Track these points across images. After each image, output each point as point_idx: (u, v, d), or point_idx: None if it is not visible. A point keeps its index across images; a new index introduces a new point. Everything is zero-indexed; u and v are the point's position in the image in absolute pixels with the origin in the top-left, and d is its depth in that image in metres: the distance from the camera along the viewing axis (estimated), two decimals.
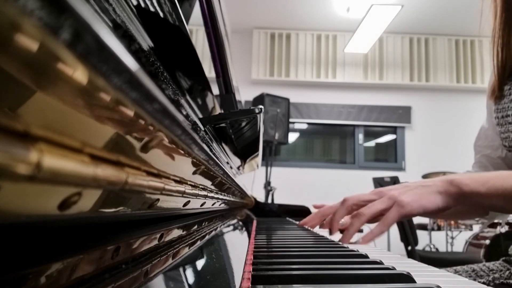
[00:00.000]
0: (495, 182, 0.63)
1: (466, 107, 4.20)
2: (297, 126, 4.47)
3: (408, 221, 2.28)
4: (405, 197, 0.66)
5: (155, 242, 0.24)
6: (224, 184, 0.43)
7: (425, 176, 3.41)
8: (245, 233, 0.74)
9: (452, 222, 3.32)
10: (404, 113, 4.33)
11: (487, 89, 0.82)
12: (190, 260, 0.29)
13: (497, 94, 0.77)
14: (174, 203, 0.24)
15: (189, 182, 0.26)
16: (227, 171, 0.41)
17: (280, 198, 2.86)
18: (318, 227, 0.90)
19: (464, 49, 4.32)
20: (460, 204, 0.67)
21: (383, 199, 0.68)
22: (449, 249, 3.44)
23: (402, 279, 0.34)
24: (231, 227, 0.65)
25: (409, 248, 2.35)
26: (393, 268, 0.38)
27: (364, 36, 3.79)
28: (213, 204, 0.44)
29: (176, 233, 0.30)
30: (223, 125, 0.51)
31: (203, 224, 0.45)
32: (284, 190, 3.26)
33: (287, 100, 3.22)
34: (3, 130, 0.07)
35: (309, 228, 0.90)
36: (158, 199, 0.20)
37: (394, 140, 4.41)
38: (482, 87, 4.13)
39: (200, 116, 0.46)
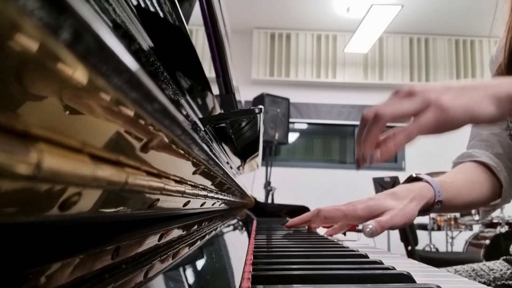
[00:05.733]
0: None
1: None
2: (297, 126, 4.47)
3: None
4: (447, 99, 0.47)
5: (155, 242, 0.24)
6: (224, 184, 0.43)
7: None
8: (245, 233, 0.74)
9: (452, 222, 3.32)
10: None
11: (492, 75, 0.80)
12: (190, 260, 0.29)
13: None
14: (174, 203, 0.24)
15: (189, 182, 0.26)
16: (227, 171, 0.41)
17: (280, 198, 2.86)
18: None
19: (464, 49, 4.32)
20: None
21: (414, 99, 0.48)
22: (449, 249, 3.44)
23: (402, 279, 0.34)
24: (231, 227, 0.65)
25: (409, 248, 2.35)
26: (393, 268, 0.38)
27: (364, 36, 3.79)
28: (213, 204, 0.44)
29: (176, 233, 0.30)
30: (223, 125, 0.51)
31: (203, 224, 0.45)
32: (284, 190, 3.26)
33: (287, 100, 3.22)
34: (3, 130, 0.07)
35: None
36: (158, 199, 0.20)
37: None
38: None
39: (200, 116, 0.46)
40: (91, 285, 0.15)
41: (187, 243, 0.32)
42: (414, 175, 0.79)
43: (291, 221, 0.86)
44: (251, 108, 0.53)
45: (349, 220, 0.75)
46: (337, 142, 4.56)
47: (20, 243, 0.12)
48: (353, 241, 0.78)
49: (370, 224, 0.65)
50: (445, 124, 0.47)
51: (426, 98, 0.48)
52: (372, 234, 0.64)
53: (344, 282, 0.33)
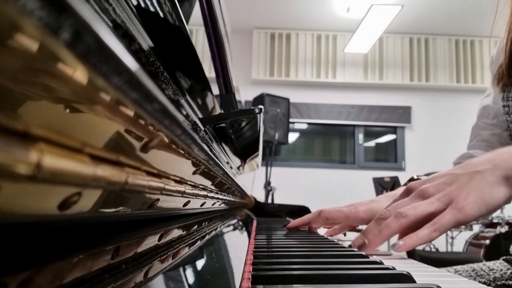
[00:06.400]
0: None
1: (466, 107, 4.20)
2: (297, 126, 4.47)
3: None
4: (463, 199, 0.49)
5: (155, 242, 0.24)
6: (224, 184, 0.43)
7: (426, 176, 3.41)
8: (245, 233, 0.74)
9: None
10: (404, 113, 4.33)
11: (492, 77, 0.80)
12: (190, 260, 0.29)
13: (506, 81, 0.74)
14: (174, 203, 0.24)
15: (189, 182, 0.26)
16: (227, 171, 0.41)
17: (280, 198, 2.86)
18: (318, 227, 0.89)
19: (464, 49, 4.32)
20: None
21: (431, 200, 0.52)
22: (449, 249, 3.44)
23: (402, 279, 0.34)
24: (231, 227, 0.65)
25: None
26: (393, 268, 0.38)
27: (364, 36, 3.79)
28: (213, 204, 0.44)
29: (176, 233, 0.30)
30: (223, 125, 0.51)
31: (203, 224, 0.45)
32: (284, 190, 3.26)
33: (287, 100, 3.22)
34: (3, 130, 0.07)
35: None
36: (158, 199, 0.20)
37: (394, 140, 4.41)
38: (482, 87, 4.13)
39: (200, 116, 0.46)
40: (91, 285, 0.15)
41: (187, 243, 0.32)
42: (415, 177, 0.79)
43: (293, 222, 0.86)
44: (251, 108, 0.53)
45: (350, 222, 0.75)
46: (337, 142, 4.56)
47: (20, 243, 0.12)
48: None
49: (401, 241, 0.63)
50: (463, 222, 0.50)
51: (441, 199, 0.51)
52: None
53: (344, 282, 0.33)
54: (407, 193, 0.58)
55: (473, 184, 0.50)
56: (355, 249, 0.54)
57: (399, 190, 0.77)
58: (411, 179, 0.80)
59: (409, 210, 0.52)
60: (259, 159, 0.97)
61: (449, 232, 3.45)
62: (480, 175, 0.50)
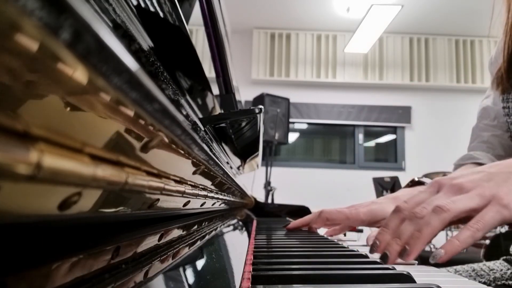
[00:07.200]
0: None
1: (466, 107, 4.20)
2: (297, 126, 4.47)
3: None
4: (504, 194, 0.47)
5: (155, 242, 0.24)
6: (224, 184, 0.43)
7: (425, 176, 3.41)
8: (245, 233, 0.74)
9: None
10: (404, 113, 4.33)
11: (492, 79, 0.80)
12: (190, 260, 0.29)
13: (505, 85, 0.75)
14: (174, 203, 0.24)
15: (189, 182, 0.26)
16: (227, 171, 0.41)
17: (280, 198, 2.86)
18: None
19: (464, 49, 4.32)
20: None
21: (471, 195, 0.48)
22: None
23: (402, 279, 0.34)
24: (231, 227, 0.65)
25: None
26: (393, 268, 0.38)
27: (364, 36, 3.79)
28: (213, 204, 0.44)
29: (176, 233, 0.30)
30: (223, 125, 0.51)
31: (203, 224, 0.45)
32: (284, 190, 3.26)
33: (287, 100, 3.22)
34: (3, 130, 0.07)
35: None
36: (158, 199, 0.20)
37: (394, 140, 4.41)
38: (482, 87, 4.13)
39: (200, 116, 0.46)
40: (91, 285, 0.15)
41: (187, 243, 0.32)
42: (416, 179, 0.79)
43: (293, 223, 0.86)
44: (251, 108, 0.53)
45: (351, 223, 0.75)
46: (337, 142, 4.56)
47: (20, 243, 0.12)
48: (353, 241, 0.78)
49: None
50: (509, 220, 0.46)
51: (482, 194, 0.48)
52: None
53: (344, 282, 0.33)
54: (436, 188, 0.52)
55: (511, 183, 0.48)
56: (355, 250, 0.54)
57: (400, 192, 0.77)
58: (412, 181, 0.80)
59: (450, 204, 0.47)
60: (259, 159, 0.97)
61: (449, 232, 3.44)
62: None
